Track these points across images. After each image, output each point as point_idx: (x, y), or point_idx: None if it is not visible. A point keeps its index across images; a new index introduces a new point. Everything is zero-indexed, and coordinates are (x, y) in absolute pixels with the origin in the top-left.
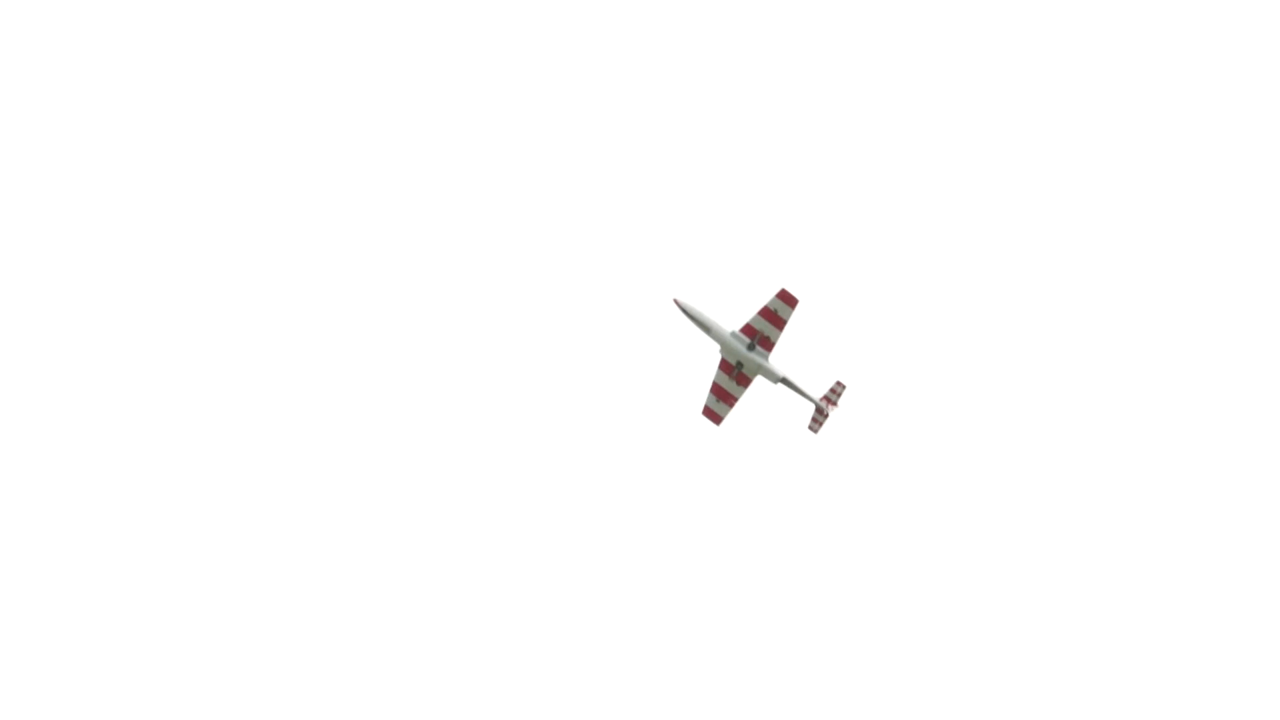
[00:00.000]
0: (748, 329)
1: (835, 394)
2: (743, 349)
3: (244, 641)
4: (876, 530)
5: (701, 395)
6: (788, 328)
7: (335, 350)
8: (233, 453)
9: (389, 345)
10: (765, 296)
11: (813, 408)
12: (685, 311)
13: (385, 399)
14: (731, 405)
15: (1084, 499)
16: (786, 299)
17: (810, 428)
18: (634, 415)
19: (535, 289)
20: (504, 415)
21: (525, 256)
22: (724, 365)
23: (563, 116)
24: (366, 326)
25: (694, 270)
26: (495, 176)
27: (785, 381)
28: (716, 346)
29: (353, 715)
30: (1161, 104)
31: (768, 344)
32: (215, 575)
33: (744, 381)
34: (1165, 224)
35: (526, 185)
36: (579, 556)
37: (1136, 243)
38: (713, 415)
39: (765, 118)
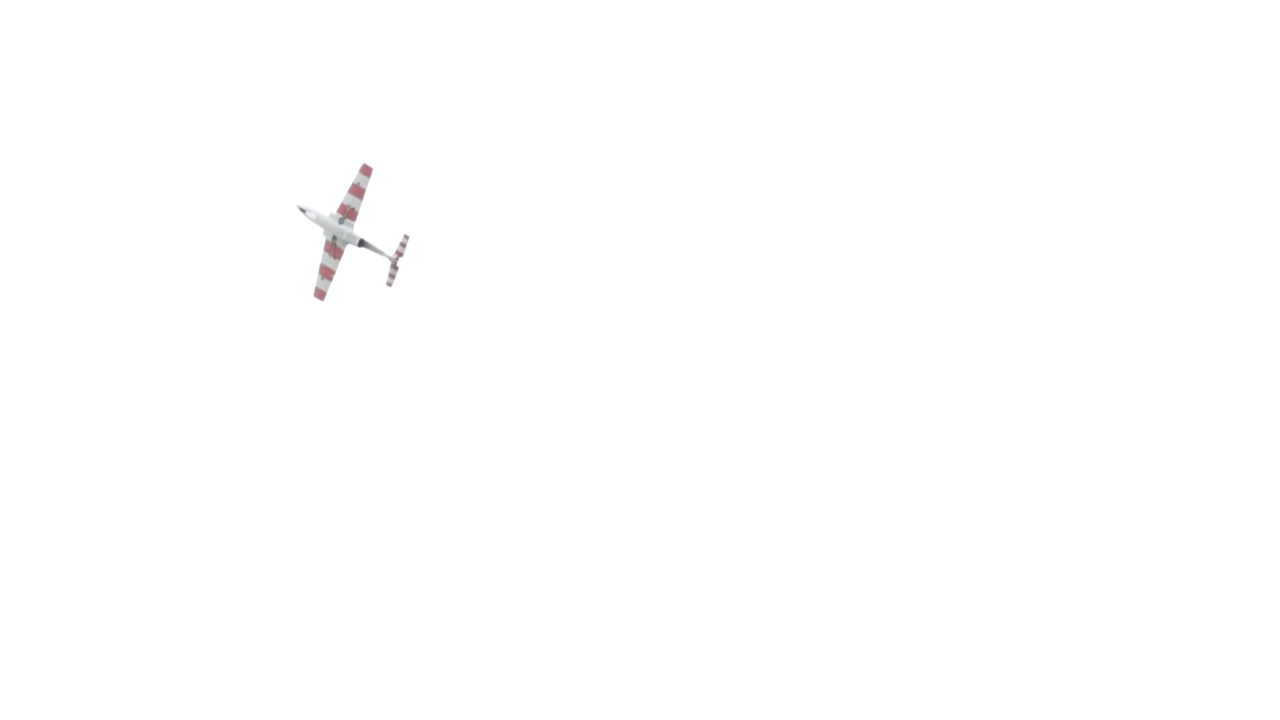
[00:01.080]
0: (341, 207)
1: (403, 246)
2: (335, 224)
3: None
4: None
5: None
6: (368, 196)
7: None
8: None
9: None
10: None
11: (388, 264)
12: (306, 213)
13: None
14: (330, 278)
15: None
16: (365, 170)
17: (387, 283)
18: (255, 306)
19: (166, 206)
20: (149, 315)
21: (157, 176)
22: (326, 246)
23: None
24: None
25: (313, 177)
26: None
27: (363, 242)
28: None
29: None
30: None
31: (353, 214)
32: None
33: (337, 254)
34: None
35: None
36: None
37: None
38: (320, 294)
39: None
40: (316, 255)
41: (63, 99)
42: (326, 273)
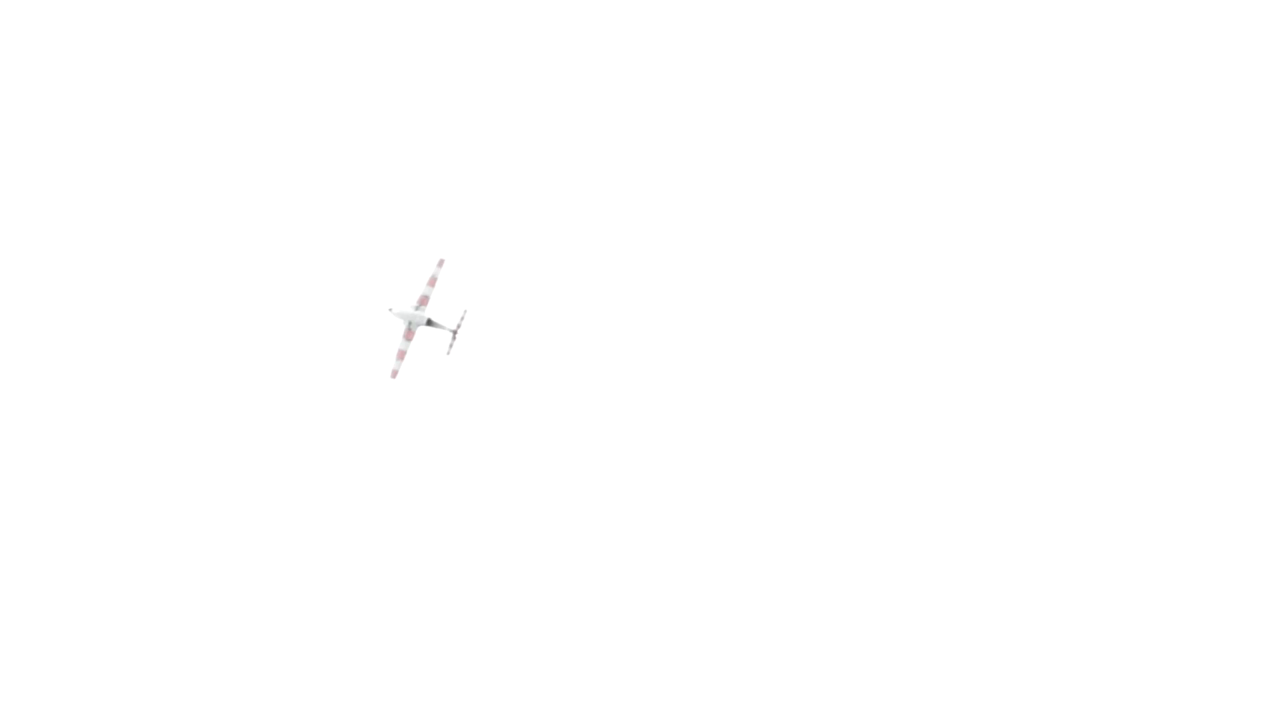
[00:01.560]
0: (421, 299)
1: (461, 320)
2: (413, 313)
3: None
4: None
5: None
6: (439, 282)
7: None
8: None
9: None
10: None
11: (450, 335)
12: (393, 311)
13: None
14: (403, 359)
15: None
16: (440, 263)
17: (447, 352)
18: (342, 391)
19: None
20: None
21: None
22: (405, 333)
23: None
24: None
25: (398, 279)
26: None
27: (430, 321)
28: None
29: None
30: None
31: (426, 301)
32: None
33: (410, 336)
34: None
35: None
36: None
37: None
38: (394, 374)
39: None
40: (395, 343)
41: (154, 205)
42: (400, 355)
